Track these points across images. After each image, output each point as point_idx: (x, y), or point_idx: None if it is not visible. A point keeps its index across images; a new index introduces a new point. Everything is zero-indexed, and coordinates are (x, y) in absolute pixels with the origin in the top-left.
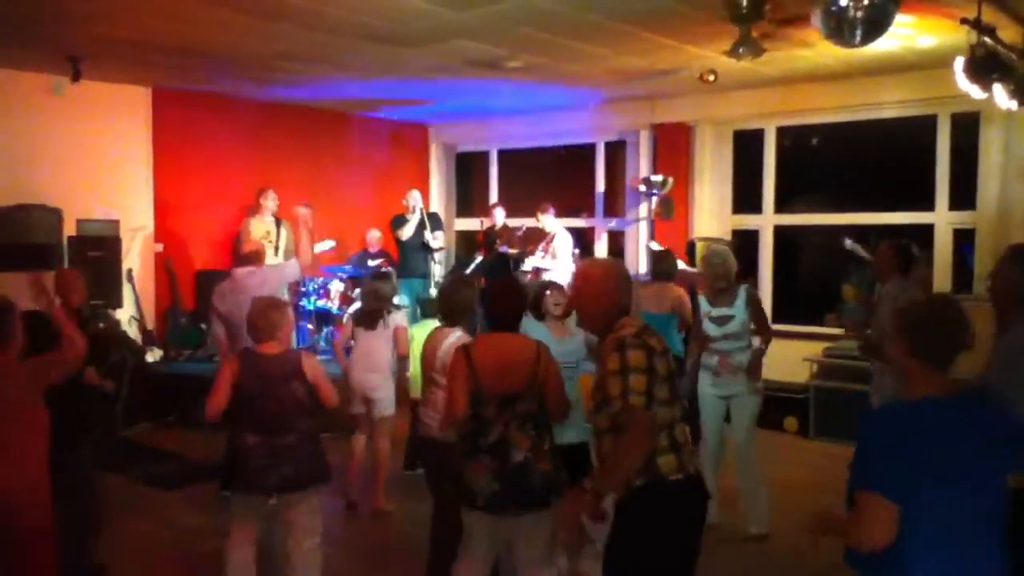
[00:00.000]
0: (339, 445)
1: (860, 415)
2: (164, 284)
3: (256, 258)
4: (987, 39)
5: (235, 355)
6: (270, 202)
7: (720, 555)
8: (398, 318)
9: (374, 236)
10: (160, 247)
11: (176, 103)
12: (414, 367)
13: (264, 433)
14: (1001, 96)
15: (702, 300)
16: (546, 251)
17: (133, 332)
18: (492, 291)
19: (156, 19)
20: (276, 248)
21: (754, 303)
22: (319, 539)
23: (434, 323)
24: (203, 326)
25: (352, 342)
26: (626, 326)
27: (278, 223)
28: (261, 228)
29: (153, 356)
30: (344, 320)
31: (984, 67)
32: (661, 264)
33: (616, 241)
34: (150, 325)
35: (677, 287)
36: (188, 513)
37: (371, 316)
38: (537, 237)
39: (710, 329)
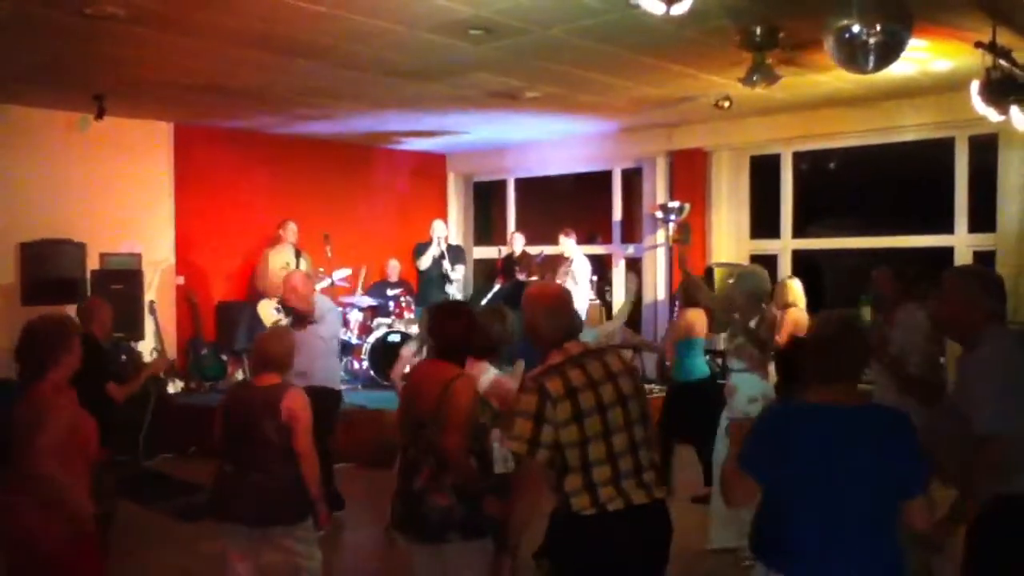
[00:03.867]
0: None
1: (765, 408)
2: (186, 316)
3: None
4: (1002, 62)
5: (233, 385)
6: (290, 234)
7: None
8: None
9: (393, 266)
10: (182, 280)
11: (198, 138)
12: None
13: (237, 464)
14: (1019, 118)
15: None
16: (564, 278)
17: None
18: (434, 316)
19: (184, 59)
20: None
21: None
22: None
23: None
24: (224, 357)
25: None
26: (561, 353)
27: (298, 254)
28: (280, 259)
29: (175, 387)
30: (402, 352)
31: (1000, 90)
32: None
33: (634, 267)
34: (172, 357)
35: (692, 312)
36: (210, 541)
37: (420, 350)
38: (555, 264)
39: (730, 346)
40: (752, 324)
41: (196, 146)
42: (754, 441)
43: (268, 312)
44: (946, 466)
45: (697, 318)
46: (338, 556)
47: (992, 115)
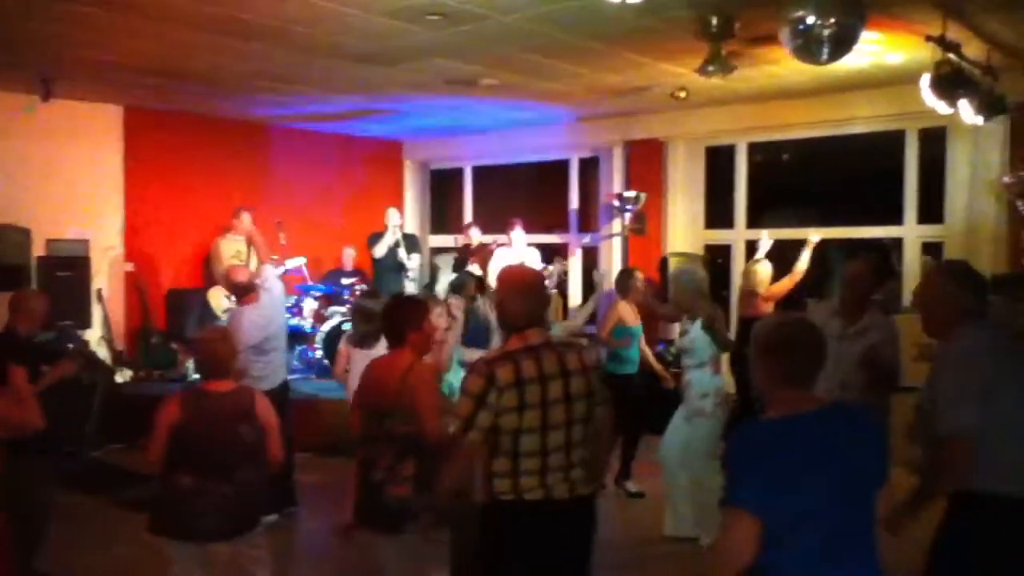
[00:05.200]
0: (326, 465)
1: (732, 433)
2: (135, 304)
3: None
4: (952, 56)
5: (177, 395)
6: (244, 222)
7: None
8: None
9: (348, 254)
10: (131, 267)
11: (149, 122)
12: None
13: (201, 476)
14: (967, 111)
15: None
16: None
17: (103, 353)
18: (384, 309)
19: (132, 41)
20: (247, 267)
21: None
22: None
23: None
24: (174, 346)
25: (349, 365)
26: (521, 339)
27: (249, 242)
28: (232, 247)
29: (123, 377)
30: (339, 348)
31: (950, 83)
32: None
33: (590, 256)
34: (120, 345)
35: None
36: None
37: (365, 336)
38: (486, 254)
39: (679, 342)
40: (695, 327)
41: (147, 130)
42: (738, 473)
43: (219, 300)
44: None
45: (626, 309)
46: (296, 546)
47: (942, 108)
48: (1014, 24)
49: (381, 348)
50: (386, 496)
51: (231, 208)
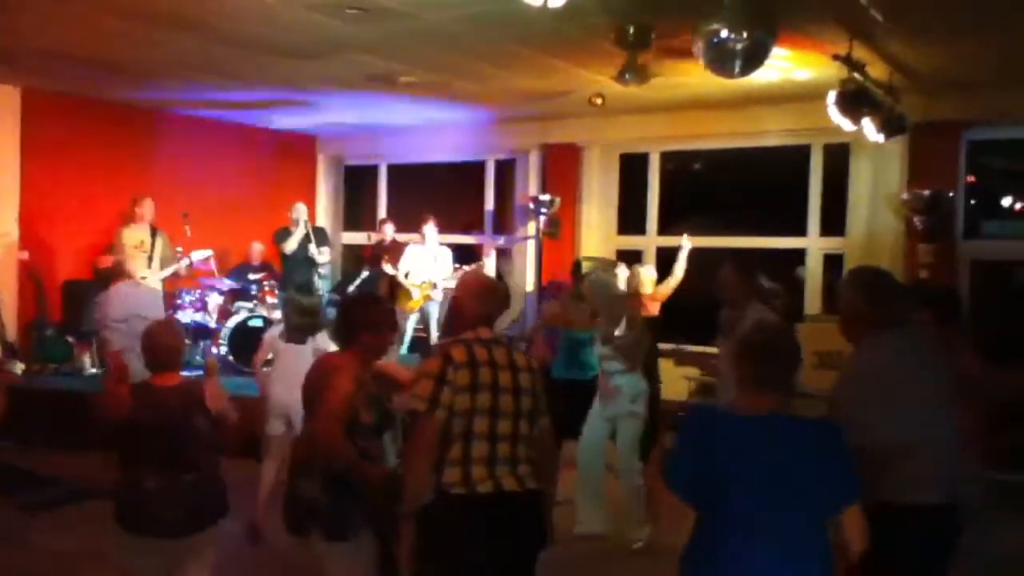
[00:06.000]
0: (244, 464)
1: (683, 418)
2: (29, 295)
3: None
4: (857, 75)
5: (128, 388)
6: (146, 210)
7: (604, 565)
8: (323, 338)
9: (257, 248)
10: (26, 255)
11: (49, 105)
12: None
13: (162, 472)
14: (870, 129)
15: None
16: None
17: None
18: (339, 307)
19: (39, 23)
20: (150, 258)
21: (633, 329)
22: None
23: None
24: (70, 339)
25: (271, 357)
26: (473, 333)
27: (153, 232)
28: (135, 237)
29: (16, 370)
30: (264, 337)
31: (854, 101)
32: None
33: (504, 258)
34: (12, 337)
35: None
36: (56, 538)
37: (300, 331)
38: (398, 251)
39: (598, 348)
40: (619, 330)
41: (47, 114)
42: (678, 456)
43: None
44: None
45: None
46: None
47: (846, 125)
48: (915, 47)
49: (308, 345)
50: (293, 495)
51: (131, 196)
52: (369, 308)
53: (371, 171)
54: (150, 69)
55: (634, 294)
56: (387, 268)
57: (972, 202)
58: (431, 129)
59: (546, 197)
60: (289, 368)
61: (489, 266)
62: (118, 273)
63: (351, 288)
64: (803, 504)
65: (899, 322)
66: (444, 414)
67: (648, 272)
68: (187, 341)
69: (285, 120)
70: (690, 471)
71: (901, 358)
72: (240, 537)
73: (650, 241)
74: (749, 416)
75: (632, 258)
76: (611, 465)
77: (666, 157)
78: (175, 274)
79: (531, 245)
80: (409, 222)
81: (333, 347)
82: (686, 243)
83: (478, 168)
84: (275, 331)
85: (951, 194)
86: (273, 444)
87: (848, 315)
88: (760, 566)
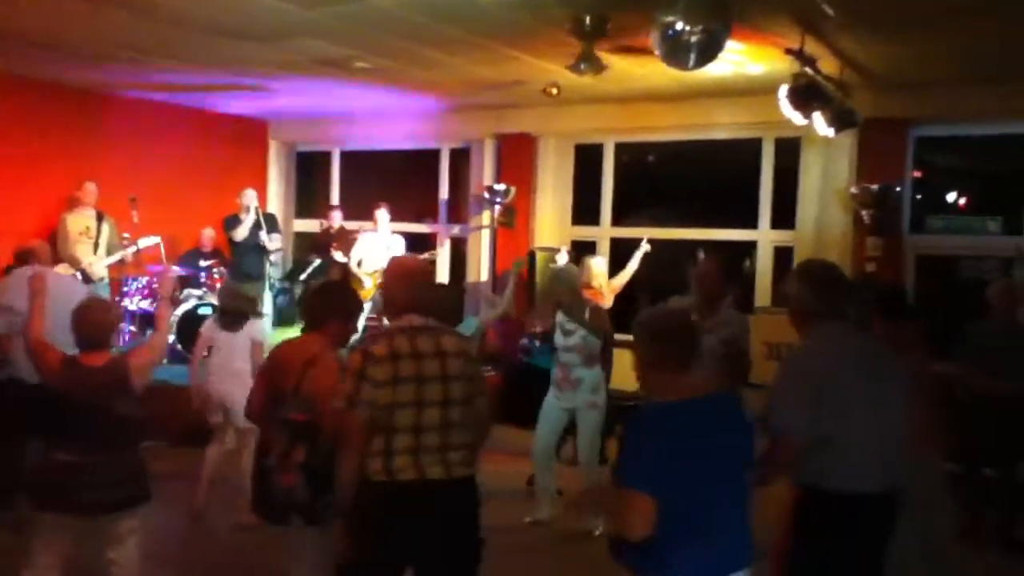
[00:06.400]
0: (183, 455)
1: (629, 418)
2: None
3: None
4: (809, 69)
5: (59, 362)
6: (89, 195)
7: (557, 551)
8: (259, 327)
9: (207, 235)
10: None
11: None
12: None
13: (84, 450)
14: (820, 123)
15: (559, 313)
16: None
17: None
18: (305, 293)
19: None
20: (96, 244)
21: (596, 322)
22: (136, 556)
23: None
24: None
25: (209, 347)
26: (399, 322)
27: (100, 217)
28: (80, 223)
29: None
30: (201, 330)
31: (805, 95)
32: None
33: (459, 247)
34: None
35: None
36: None
37: (231, 318)
38: (348, 239)
39: (558, 340)
40: (586, 316)
41: None
42: (636, 456)
43: None
44: None
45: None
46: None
47: (797, 119)
48: (865, 44)
49: (241, 333)
50: (274, 484)
51: (79, 182)
52: (338, 296)
53: (324, 157)
54: (96, 50)
55: (586, 285)
56: (336, 256)
57: (918, 197)
58: (385, 116)
59: (501, 187)
60: (224, 358)
61: (443, 255)
62: (27, 258)
63: (303, 277)
64: (736, 472)
65: (844, 314)
66: (365, 410)
67: (599, 265)
68: (121, 324)
69: (236, 104)
70: (650, 469)
71: (846, 349)
72: (183, 527)
73: (604, 232)
74: (680, 402)
75: (587, 249)
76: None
77: (620, 148)
78: (121, 261)
79: (486, 235)
80: (362, 209)
81: (265, 335)
82: (645, 245)
83: (432, 156)
84: (211, 321)
85: (898, 189)
86: (216, 433)
87: (796, 307)
88: (705, 545)
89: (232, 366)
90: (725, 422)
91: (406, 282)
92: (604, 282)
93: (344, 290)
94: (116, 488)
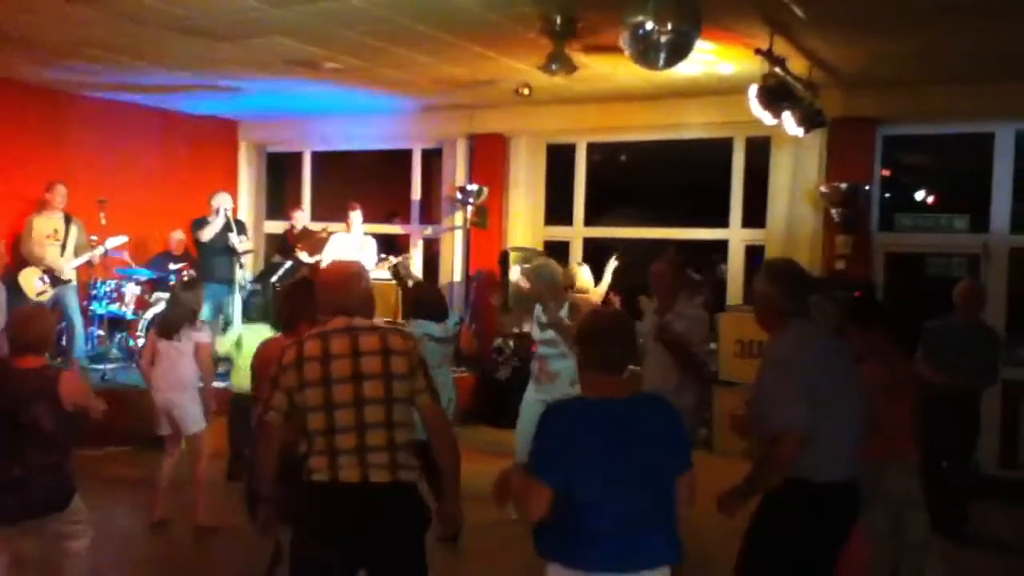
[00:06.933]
0: (147, 460)
1: (546, 409)
2: None
3: None
4: (778, 69)
5: None
6: (58, 197)
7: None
8: (201, 333)
9: (177, 238)
10: None
11: None
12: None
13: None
14: (790, 123)
15: (537, 306)
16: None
17: None
18: (276, 294)
19: None
20: (64, 246)
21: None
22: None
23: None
24: None
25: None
26: (320, 326)
27: (67, 220)
28: (48, 225)
29: None
30: (148, 334)
31: (775, 95)
32: None
33: (432, 247)
34: None
35: None
36: None
37: (168, 325)
38: (317, 241)
39: (535, 333)
40: (564, 312)
41: None
42: (542, 445)
43: (32, 282)
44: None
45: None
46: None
47: (767, 118)
48: (834, 44)
49: (182, 341)
50: (248, 484)
51: (44, 182)
52: (303, 296)
53: (295, 158)
54: (59, 48)
55: (571, 286)
56: (302, 256)
57: (887, 195)
58: (356, 116)
59: (473, 187)
60: (168, 366)
61: (416, 257)
62: None
63: (274, 279)
64: (656, 474)
65: (808, 312)
66: (277, 416)
67: (586, 273)
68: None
69: (205, 105)
70: (553, 459)
71: (821, 346)
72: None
73: (577, 231)
74: (597, 400)
75: (559, 248)
76: None
77: (592, 148)
78: (89, 263)
79: (458, 235)
80: (334, 210)
81: (210, 337)
82: (614, 261)
83: (405, 156)
84: (154, 327)
85: (867, 187)
86: (168, 442)
87: (763, 305)
88: (614, 541)
89: (175, 373)
90: (642, 424)
91: (332, 285)
92: (591, 287)
93: (309, 290)
94: (27, 496)
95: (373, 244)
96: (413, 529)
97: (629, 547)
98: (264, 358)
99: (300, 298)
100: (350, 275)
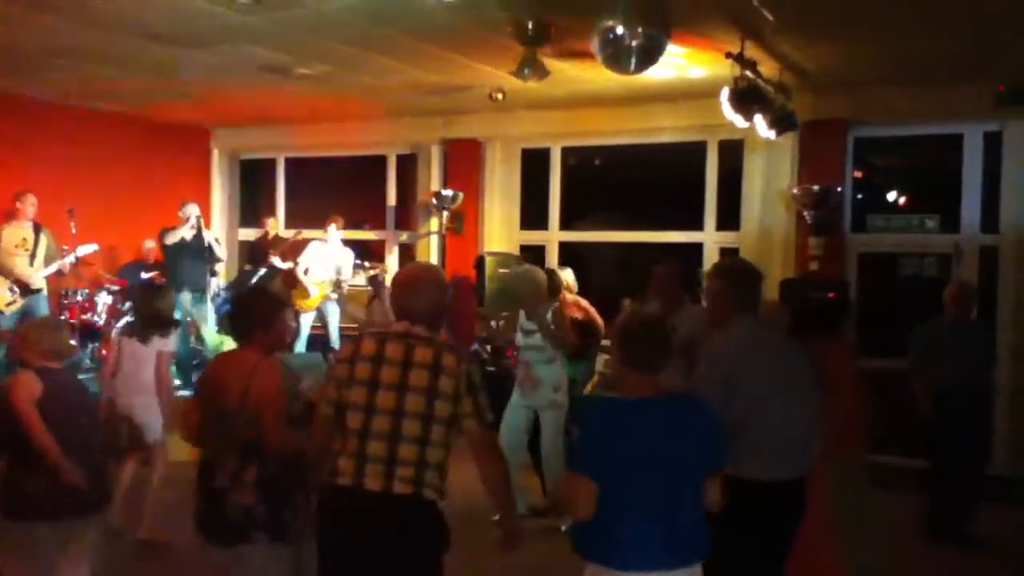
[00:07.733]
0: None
1: (585, 409)
2: None
3: None
4: (749, 73)
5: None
6: (28, 207)
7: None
8: (166, 342)
9: (149, 246)
10: None
11: None
12: None
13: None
14: (761, 126)
15: (521, 312)
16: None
17: None
18: (237, 299)
19: None
20: (33, 256)
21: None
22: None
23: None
24: None
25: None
26: (385, 327)
27: (37, 229)
28: (17, 235)
29: None
30: (112, 337)
31: (746, 98)
32: None
33: (408, 254)
34: None
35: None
36: None
37: (133, 330)
38: (296, 248)
39: (519, 339)
40: (549, 316)
41: None
42: (585, 445)
43: (1, 293)
44: None
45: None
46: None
47: (739, 121)
48: (804, 47)
49: (146, 347)
50: (229, 503)
51: (13, 192)
52: (251, 306)
53: (268, 165)
54: (26, 57)
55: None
56: (276, 262)
57: (859, 197)
58: (330, 122)
59: (448, 192)
60: (131, 371)
61: (392, 264)
62: None
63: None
64: (686, 477)
65: (757, 309)
66: (328, 408)
67: (568, 274)
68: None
69: (176, 112)
70: (594, 458)
71: (758, 341)
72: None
73: (553, 236)
74: (634, 400)
75: (535, 253)
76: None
77: (567, 153)
78: (59, 272)
79: (434, 241)
80: (309, 217)
81: (173, 346)
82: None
83: (379, 162)
84: (120, 333)
85: (839, 189)
86: (128, 452)
87: (715, 302)
88: (649, 535)
89: (137, 378)
90: (677, 423)
91: (401, 287)
92: (575, 289)
93: (256, 299)
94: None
95: (350, 255)
96: (428, 546)
97: (666, 545)
98: (217, 375)
99: (245, 310)
100: (421, 280)
